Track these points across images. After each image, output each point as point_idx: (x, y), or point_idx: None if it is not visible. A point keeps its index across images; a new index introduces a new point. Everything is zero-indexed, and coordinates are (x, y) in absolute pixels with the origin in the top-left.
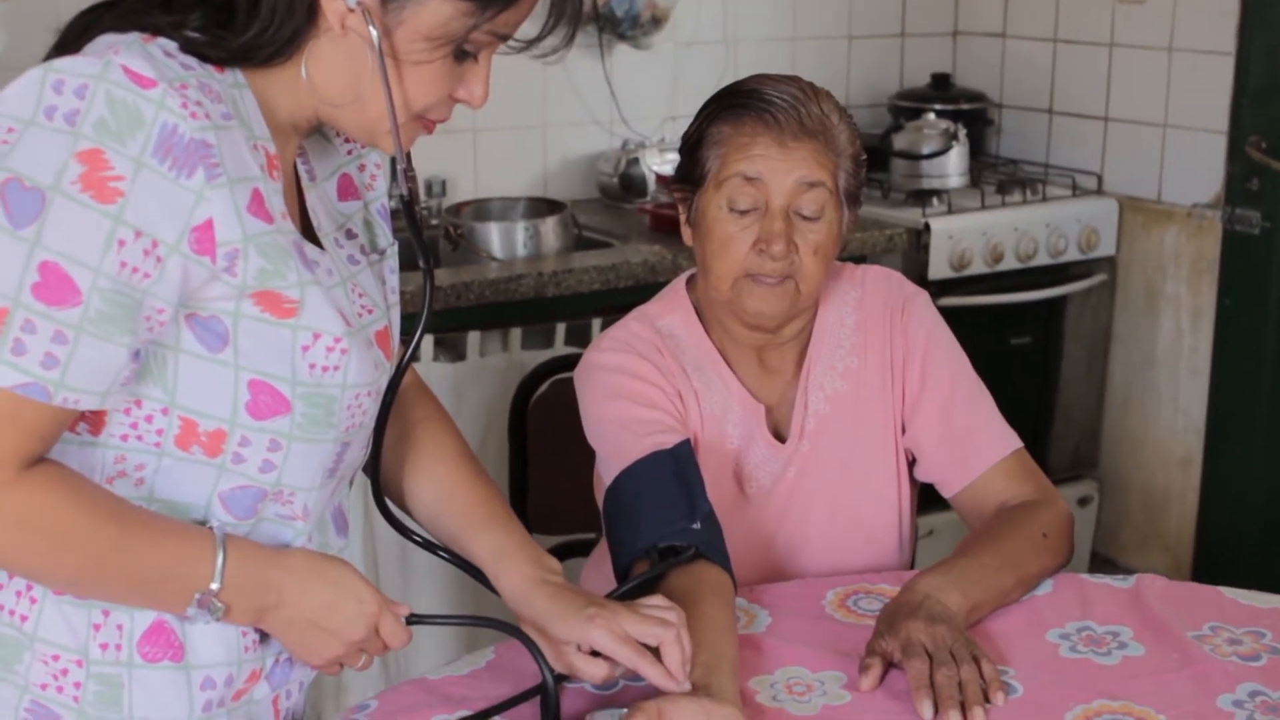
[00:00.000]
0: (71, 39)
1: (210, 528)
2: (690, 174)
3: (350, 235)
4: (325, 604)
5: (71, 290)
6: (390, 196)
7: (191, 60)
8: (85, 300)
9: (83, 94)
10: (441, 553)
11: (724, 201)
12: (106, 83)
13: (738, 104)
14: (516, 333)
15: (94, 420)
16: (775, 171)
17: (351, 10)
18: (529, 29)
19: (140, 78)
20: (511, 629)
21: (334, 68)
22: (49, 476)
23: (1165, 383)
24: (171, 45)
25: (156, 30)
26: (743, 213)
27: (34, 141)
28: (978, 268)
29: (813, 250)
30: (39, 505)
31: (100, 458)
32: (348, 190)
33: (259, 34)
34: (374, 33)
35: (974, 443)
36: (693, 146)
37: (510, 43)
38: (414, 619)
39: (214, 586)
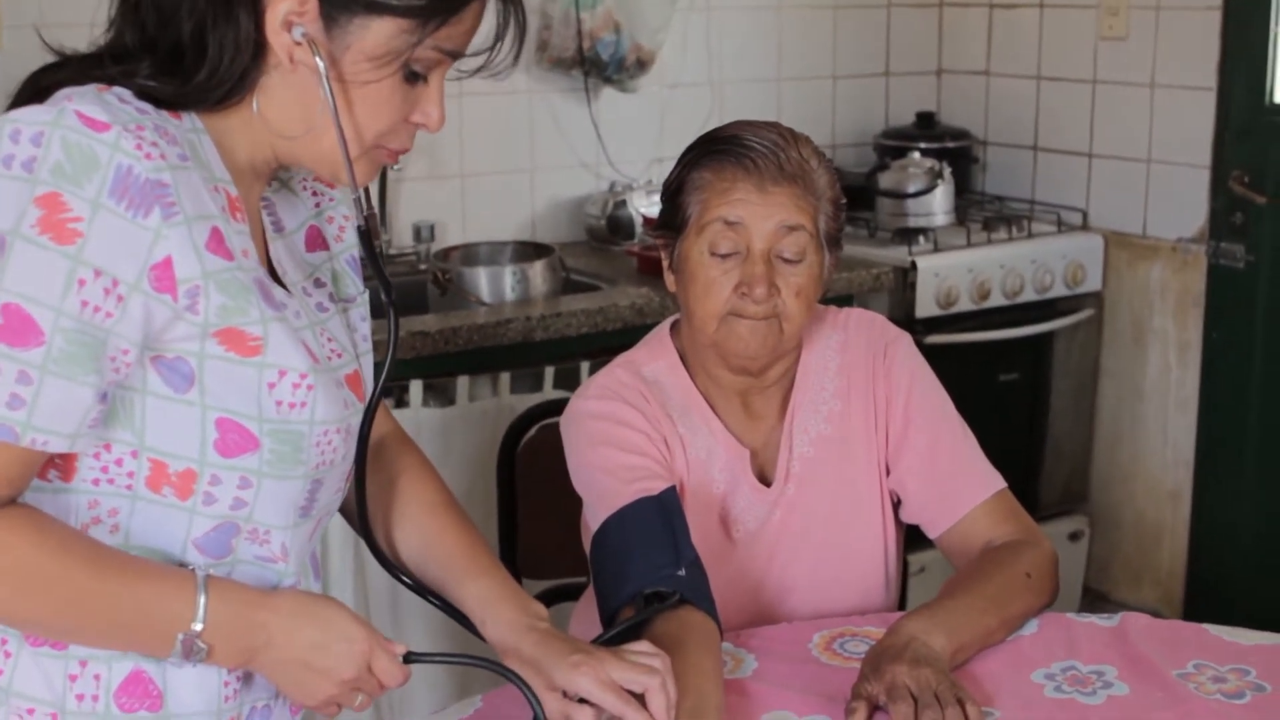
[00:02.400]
0: (26, 99)
1: (192, 569)
2: (672, 220)
3: (318, 284)
4: (314, 644)
5: (34, 331)
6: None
7: (147, 105)
8: (48, 340)
9: (39, 141)
10: (431, 598)
11: (705, 246)
12: (61, 128)
13: (718, 150)
14: (505, 377)
15: (64, 466)
16: (755, 216)
17: (298, 43)
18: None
19: (94, 122)
20: (507, 671)
21: (286, 101)
22: (14, 519)
23: (1154, 416)
24: (126, 93)
25: (110, 80)
26: (724, 257)
27: None
28: (964, 305)
29: (795, 293)
30: (3, 546)
31: (74, 504)
32: (315, 242)
33: (209, 75)
34: (321, 63)
35: (958, 484)
36: (674, 193)
37: (459, 67)
38: (411, 657)
39: (196, 627)
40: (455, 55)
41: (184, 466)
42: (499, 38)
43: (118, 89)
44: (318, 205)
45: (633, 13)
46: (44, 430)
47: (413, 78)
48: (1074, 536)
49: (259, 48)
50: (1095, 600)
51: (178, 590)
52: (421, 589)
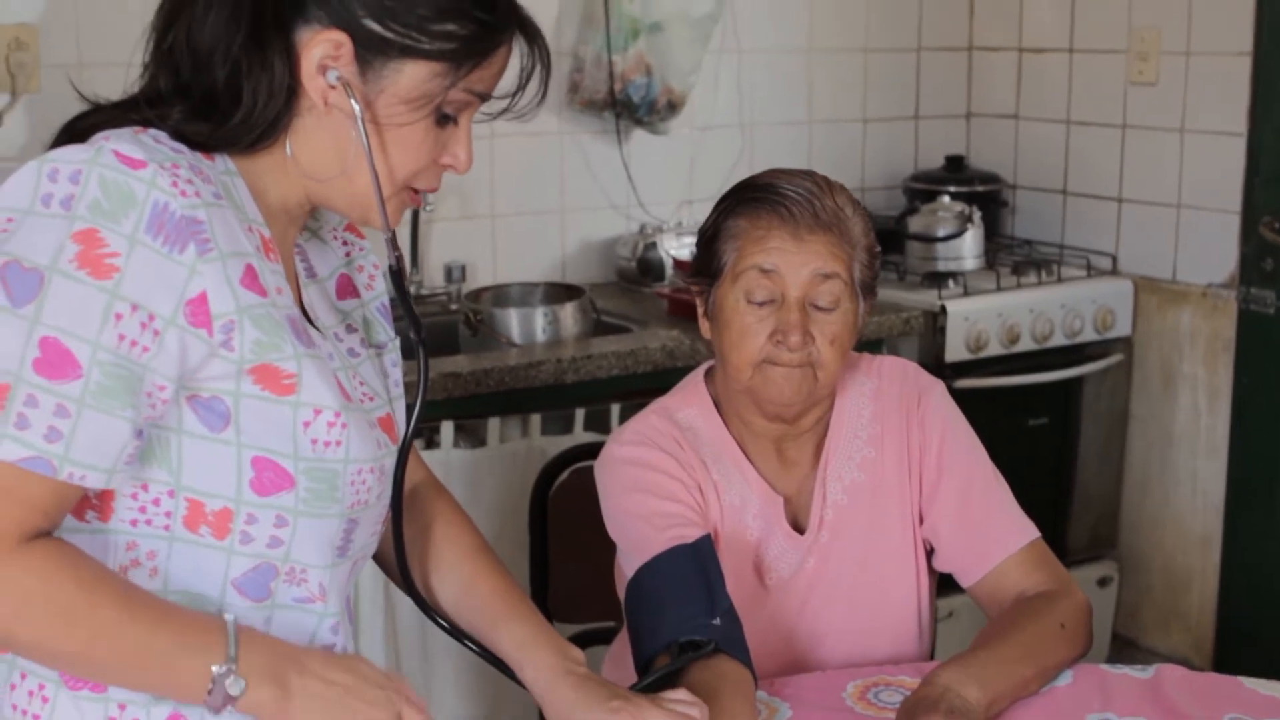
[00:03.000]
0: (63, 144)
1: (223, 617)
2: (707, 267)
3: (350, 329)
4: (348, 685)
5: (71, 364)
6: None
7: (181, 146)
8: (85, 373)
9: (76, 179)
10: (468, 643)
11: (741, 294)
12: (99, 166)
13: (753, 198)
14: (536, 419)
15: (101, 507)
16: (790, 264)
17: (333, 86)
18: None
19: (131, 160)
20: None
21: (319, 143)
22: (48, 549)
23: (1183, 462)
24: (162, 134)
25: (145, 123)
26: (760, 304)
27: (33, 227)
28: (994, 349)
29: (829, 340)
30: (36, 575)
31: (112, 545)
32: (346, 290)
33: (243, 119)
34: (356, 106)
35: (991, 533)
36: (709, 240)
37: (484, 109)
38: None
39: (228, 665)
40: (484, 97)
41: (220, 505)
42: (525, 80)
43: (153, 130)
44: (348, 254)
45: (664, 55)
46: (81, 464)
47: (443, 120)
48: (1103, 582)
49: (292, 92)
50: (1124, 646)
51: (209, 628)
52: (459, 633)
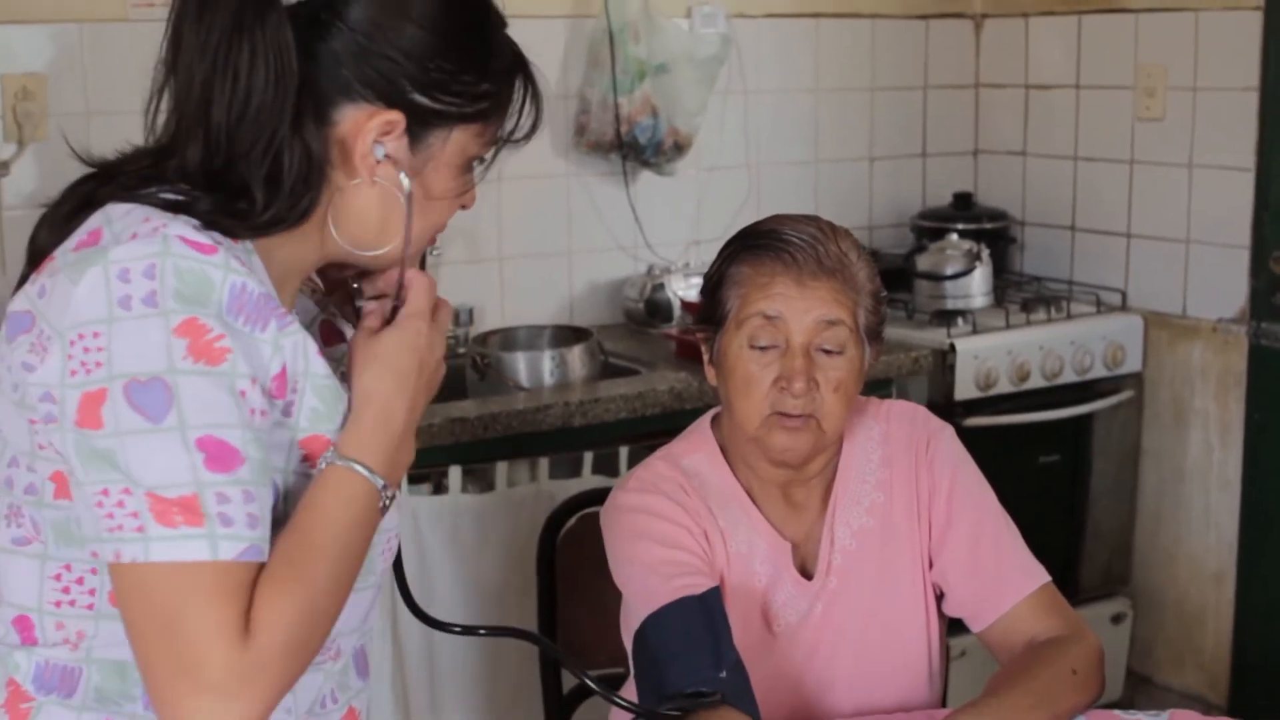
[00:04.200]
0: (70, 211)
1: (323, 466)
2: (712, 314)
3: (344, 378)
4: (408, 369)
5: (233, 453)
6: None
7: (216, 234)
8: (246, 457)
9: (152, 274)
10: (454, 628)
11: (745, 340)
12: (172, 256)
13: (756, 244)
14: (544, 462)
15: None
16: (794, 310)
17: (380, 162)
18: None
19: (200, 245)
20: (533, 636)
21: (363, 215)
22: (257, 614)
23: (1196, 498)
24: (195, 221)
25: (170, 206)
26: (763, 349)
27: (126, 335)
28: (1004, 387)
29: (834, 387)
30: (281, 628)
31: None
32: (331, 336)
33: (280, 210)
34: (406, 181)
35: (1001, 578)
36: (713, 287)
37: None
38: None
39: (381, 496)
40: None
41: None
42: (537, 115)
43: (183, 217)
44: (325, 297)
45: (670, 97)
46: (268, 539)
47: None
48: (1116, 619)
49: (325, 175)
50: (1139, 683)
51: (345, 484)
52: (439, 624)
